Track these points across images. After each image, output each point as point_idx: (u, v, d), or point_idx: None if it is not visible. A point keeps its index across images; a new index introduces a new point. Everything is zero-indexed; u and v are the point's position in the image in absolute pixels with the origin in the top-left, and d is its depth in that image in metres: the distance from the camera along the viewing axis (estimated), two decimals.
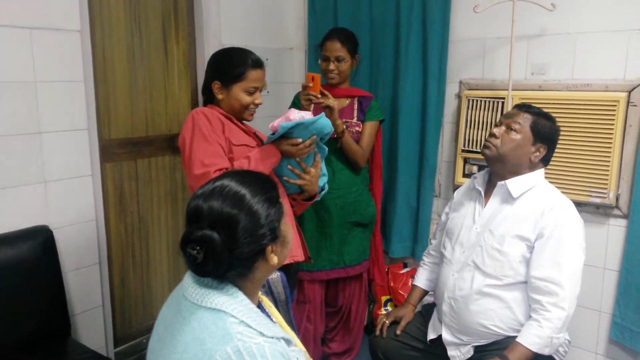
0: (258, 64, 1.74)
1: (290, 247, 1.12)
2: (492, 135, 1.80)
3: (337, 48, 2.30)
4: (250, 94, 1.73)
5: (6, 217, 1.94)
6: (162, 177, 2.62)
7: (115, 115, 2.38)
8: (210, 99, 1.81)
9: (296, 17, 3.12)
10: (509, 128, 1.77)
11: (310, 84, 2.11)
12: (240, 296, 1.01)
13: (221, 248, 0.95)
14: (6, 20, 1.86)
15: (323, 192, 1.91)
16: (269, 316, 1.13)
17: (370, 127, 2.38)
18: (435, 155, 2.73)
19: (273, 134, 1.67)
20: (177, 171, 2.67)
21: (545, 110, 2.27)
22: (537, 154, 1.77)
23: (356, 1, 2.87)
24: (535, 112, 1.79)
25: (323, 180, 1.88)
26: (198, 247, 0.96)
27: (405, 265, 2.94)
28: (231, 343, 0.91)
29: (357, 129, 2.36)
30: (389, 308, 2.82)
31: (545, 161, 1.81)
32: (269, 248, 1.04)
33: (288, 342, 1.02)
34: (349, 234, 2.42)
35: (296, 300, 2.42)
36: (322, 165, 1.85)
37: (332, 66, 2.31)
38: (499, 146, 1.77)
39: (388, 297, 2.85)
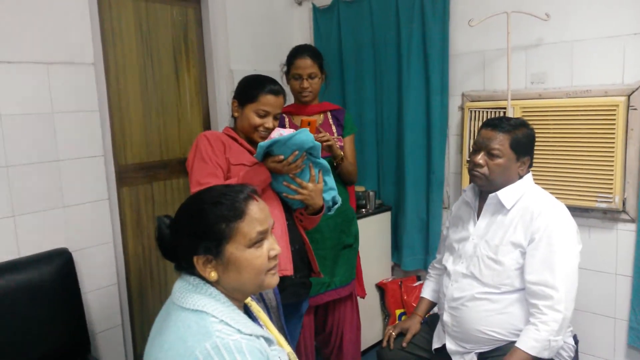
0: (274, 91, 1.81)
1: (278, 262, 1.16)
2: (477, 165, 1.78)
3: (308, 65, 2.24)
4: (261, 116, 1.80)
5: (28, 241, 2.06)
6: (177, 199, 2.72)
7: (131, 142, 2.51)
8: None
9: (302, 40, 3.22)
10: (490, 154, 1.75)
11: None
12: (223, 298, 1.07)
13: (163, 231, 1.14)
14: (25, 57, 2.02)
15: (336, 206, 1.92)
16: (256, 320, 1.19)
17: (351, 141, 2.38)
18: (442, 168, 2.76)
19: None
20: None
21: (547, 117, 2.31)
22: (523, 166, 1.79)
23: (358, 23, 2.97)
24: (508, 129, 1.74)
25: (330, 195, 1.88)
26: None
27: (418, 279, 2.95)
28: (210, 340, 0.97)
29: (339, 144, 2.32)
30: None
31: (530, 165, 1.83)
32: (197, 259, 1.08)
33: (268, 341, 1.08)
34: (339, 254, 2.32)
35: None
36: (329, 179, 1.86)
37: (306, 84, 2.25)
38: (488, 174, 1.76)
39: (402, 310, 2.86)
